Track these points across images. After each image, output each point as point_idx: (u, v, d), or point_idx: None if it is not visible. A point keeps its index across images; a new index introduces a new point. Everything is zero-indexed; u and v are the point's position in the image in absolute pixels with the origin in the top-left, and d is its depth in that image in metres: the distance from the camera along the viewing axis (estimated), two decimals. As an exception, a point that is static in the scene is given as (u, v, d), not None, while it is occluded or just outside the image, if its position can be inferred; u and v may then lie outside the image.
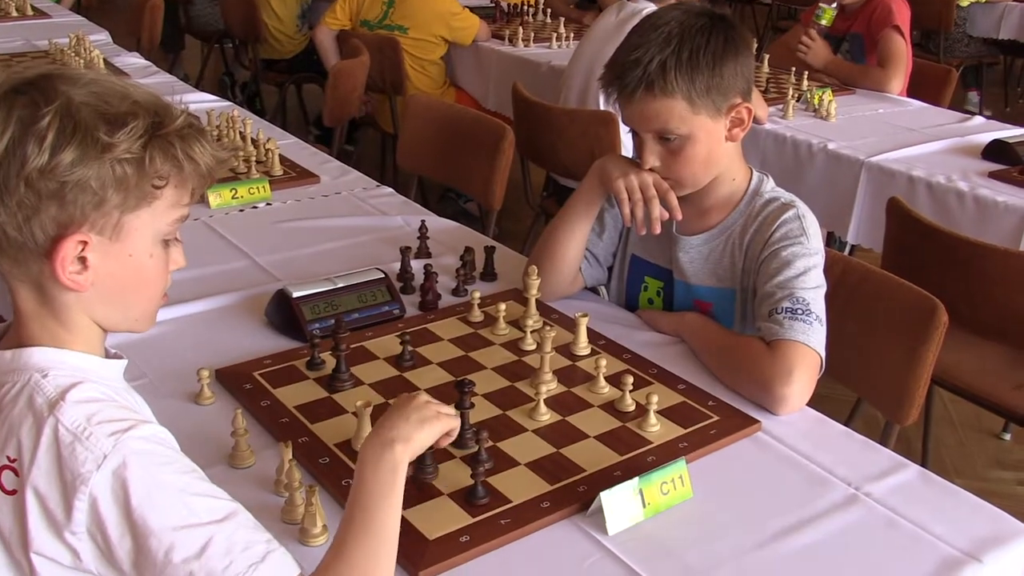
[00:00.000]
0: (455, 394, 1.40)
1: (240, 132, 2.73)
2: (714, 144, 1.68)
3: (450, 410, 1.25)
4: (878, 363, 1.84)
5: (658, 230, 1.71)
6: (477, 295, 1.81)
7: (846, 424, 2.12)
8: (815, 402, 1.56)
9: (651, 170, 1.70)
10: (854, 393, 2.01)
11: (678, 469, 1.33)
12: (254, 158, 2.57)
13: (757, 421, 1.49)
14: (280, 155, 2.64)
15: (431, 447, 1.27)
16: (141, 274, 1.08)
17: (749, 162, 1.80)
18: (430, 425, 1.19)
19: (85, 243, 1.03)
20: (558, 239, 1.83)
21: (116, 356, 1.16)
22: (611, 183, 1.73)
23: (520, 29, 4.53)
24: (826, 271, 1.76)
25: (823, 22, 3.76)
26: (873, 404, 1.93)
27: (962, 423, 3.23)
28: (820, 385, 1.67)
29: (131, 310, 1.12)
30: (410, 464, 1.17)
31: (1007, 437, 3.17)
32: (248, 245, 2.16)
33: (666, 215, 1.71)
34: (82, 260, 1.04)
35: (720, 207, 1.77)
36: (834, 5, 3.76)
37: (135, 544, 0.96)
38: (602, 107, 3.03)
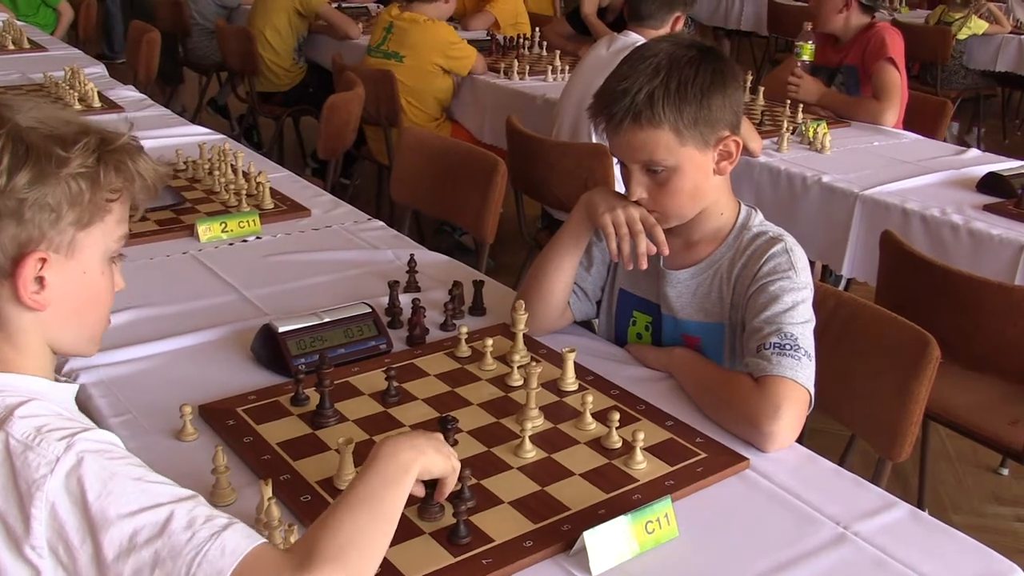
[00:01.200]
0: (439, 431, 1.39)
1: (232, 165, 2.73)
2: (701, 177, 1.68)
3: (458, 462, 1.26)
4: (870, 399, 1.83)
5: (644, 265, 1.70)
6: (464, 330, 1.80)
7: (841, 459, 2.14)
8: (810, 436, 1.55)
9: (638, 202, 1.70)
10: (847, 429, 1.99)
11: (664, 508, 1.32)
12: (245, 191, 2.57)
13: (745, 459, 1.48)
14: (271, 188, 2.64)
15: (433, 489, 1.28)
16: (94, 292, 1.13)
17: (743, 195, 1.81)
18: (443, 456, 1.21)
19: (44, 260, 1.08)
20: (546, 273, 1.83)
21: (67, 381, 1.18)
22: (597, 217, 1.73)
23: (516, 62, 4.55)
24: (818, 305, 1.76)
25: (805, 58, 3.78)
26: (865, 440, 1.91)
27: (959, 458, 3.21)
28: (816, 420, 1.66)
29: (85, 329, 1.16)
30: (423, 491, 1.22)
31: (1005, 472, 3.15)
32: (236, 279, 2.15)
33: (653, 250, 1.71)
34: (39, 280, 1.09)
35: (708, 241, 1.76)
36: (811, 41, 3.78)
37: (95, 543, 0.96)
38: (594, 139, 3.03)
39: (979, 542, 1.33)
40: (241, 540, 0.98)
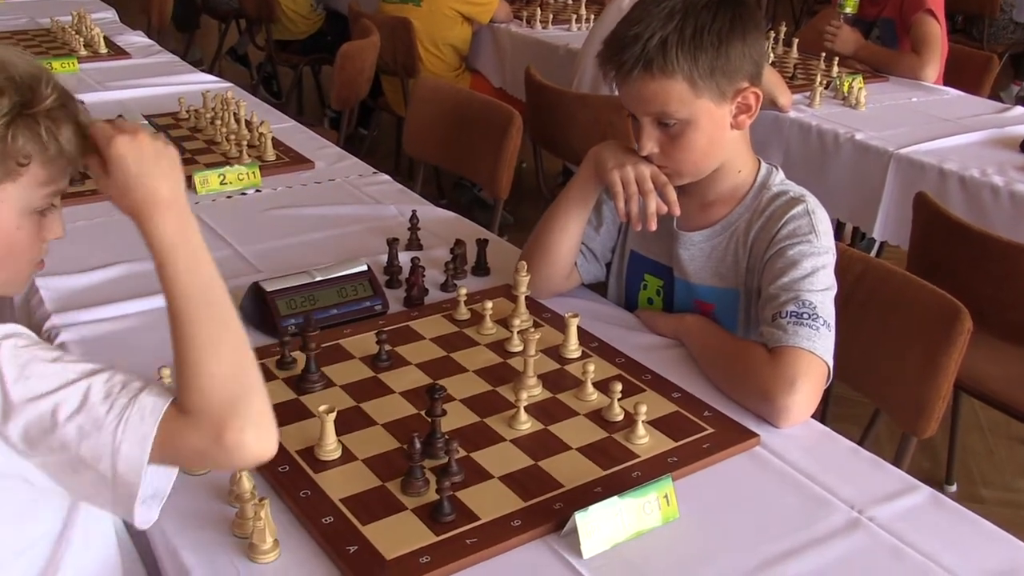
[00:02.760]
0: (427, 400, 1.34)
1: (235, 114, 2.66)
2: (717, 131, 1.59)
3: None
4: (896, 371, 1.75)
5: (654, 226, 1.63)
6: (464, 291, 1.73)
7: (864, 434, 2.06)
8: (836, 404, 1.46)
9: (648, 158, 1.62)
10: (871, 403, 1.91)
11: (664, 487, 1.25)
12: (247, 142, 2.51)
13: (755, 435, 1.41)
14: (275, 139, 2.58)
15: (420, 458, 1.24)
16: (7, 246, 1.10)
17: (770, 152, 1.72)
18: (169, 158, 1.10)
19: None
20: (550, 233, 1.76)
21: None
22: (605, 174, 1.65)
23: (539, 10, 4.44)
24: (843, 271, 1.69)
25: (847, 10, 3.65)
26: (889, 415, 1.83)
27: (992, 429, 3.12)
28: (841, 388, 1.57)
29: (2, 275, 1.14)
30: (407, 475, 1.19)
31: (1040, 446, 3.05)
32: (232, 234, 2.10)
33: (664, 209, 1.63)
34: None
35: (724, 201, 1.68)
36: None
37: (17, 422, 1.00)
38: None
39: (1009, 519, 1.25)
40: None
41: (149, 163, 1.06)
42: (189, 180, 2.29)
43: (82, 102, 1.16)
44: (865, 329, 1.77)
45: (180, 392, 1.02)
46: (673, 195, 1.63)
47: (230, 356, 1.03)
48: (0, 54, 1.07)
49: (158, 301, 1.72)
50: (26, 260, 1.15)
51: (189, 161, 2.47)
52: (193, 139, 2.64)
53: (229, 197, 2.30)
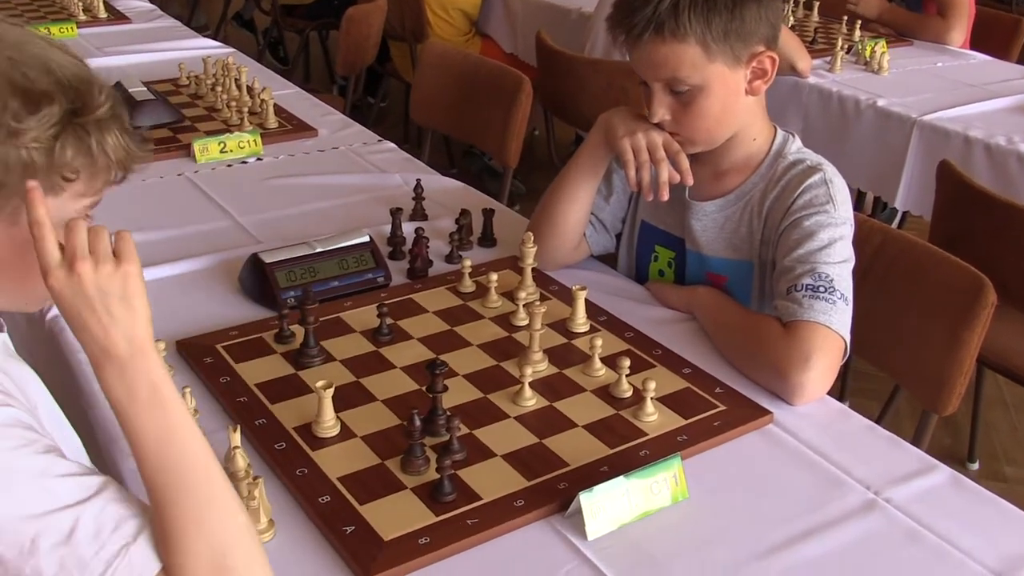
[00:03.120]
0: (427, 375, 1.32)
1: (236, 80, 2.63)
2: (731, 97, 1.56)
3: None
4: (916, 346, 1.73)
5: (665, 196, 1.60)
6: (468, 263, 1.72)
7: (884, 410, 2.03)
8: (856, 379, 1.44)
9: (660, 126, 1.60)
10: (890, 379, 1.88)
11: (672, 466, 1.23)
12: (248, 109, 2.48)
13: (768, 412, 1.40)
14: (277, 106, 2.56)
15: (420, 436, 1.21)
16: (33, 258, 0.97)
17: (789, 119, 1.69)
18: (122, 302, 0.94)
19: None
20: (558, 202, 1.73)
21: None
22: (615, 142, 1.62)
23: (551, -28, 4.36)
24: (862, 242, 1.67)
25: None
26: (909, 391, 1.81)
27: (1016, 405, 3.08)
28: (859, 363, 1.54)
29: (19, 295, 1.04)
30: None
31: (1066, 422, 3.02)
32: (232, 204, 2.08)
33: (676, 178, 1.60)
34: None
35: (738, 170, 1.65)
36: None
37: None
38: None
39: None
40: (148, 561, 0.91)
41: (86, 310, 0.91)
42: (188, 148, 2.28)
43: None
44: (885, 303, 1.74)
45: (165, 560, 0.92)
46: (685, 163, 1.60)
47: (216, 535, 0.92)
48: (45, 52, 0.97)
49: (156, 272, 1.75)
50: None
51: (188, 129, 2.44)
52: (193, 106, 2.62)
53: (229, 166, 2.28)
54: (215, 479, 0.95)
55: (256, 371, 1.47)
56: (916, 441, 1.63)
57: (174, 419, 0.94)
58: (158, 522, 0.93)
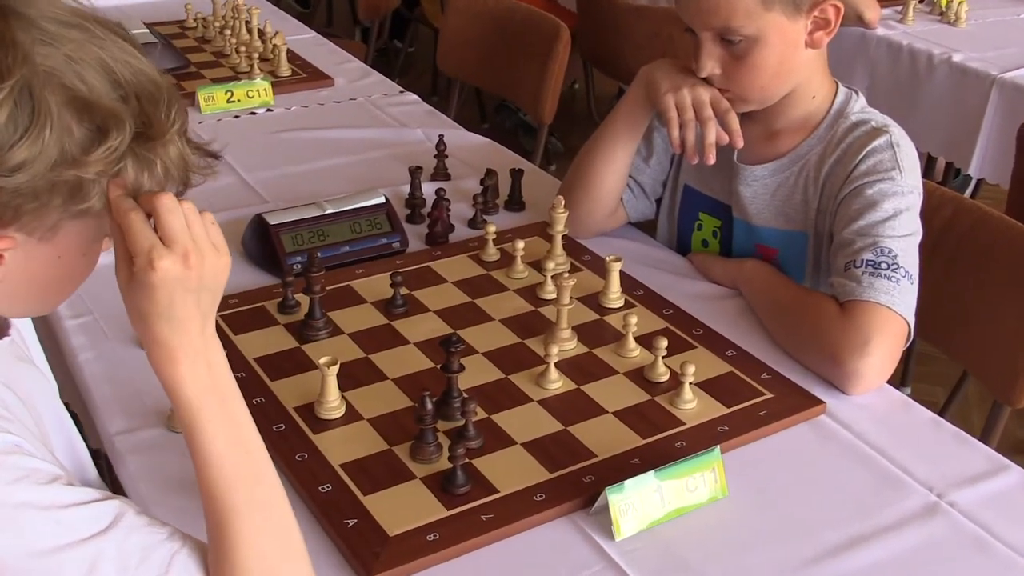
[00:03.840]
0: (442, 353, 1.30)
1: (247, 23, 2.60)
2: (789, 50, 1.52)
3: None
4: (989, 329, 1.69)
5: (712, 159, 1.57)
6: (493, 229, 1.69)
7: (949, 399, 1.99)
8: (921, 363, 1.41)
9: (708, 81, 1.56)
10: (958, 364, 1.84)
11: (711, 460, 1.21)
12: (259, 55, 2.46)
13: (820, 402, 1.37)
14: (291, 52, 2.54)
15: (431, 421, 1.20)
16: (67, 274, 0.95)
17: (854, 76, 1.66)
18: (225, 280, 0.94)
19: (9, 239, 0.88)
20: (593, 164, 1.70)
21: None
22: (658, 98, 1.59)
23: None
24: (931, 213, 1.64)
25: None
26: (979, 379, 1.77)
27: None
28: (924, 346, 1.50)
29: (39, 305, 1.01)
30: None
31: None
32: (238, 158, 2.07)
33: (724, 139, 1.56)
34: None
35: (793, 130, 1.62)
36: None
37: None
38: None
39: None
40: None
41: (183, 308, 0.89)
42: (192, 97, 2.26)
43: None
44: (954, 281, 1.71)
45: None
46: (735, 123, 1.56)
47: (275, 547, 0.93)
48: (101, 48, 0.87)
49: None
50: (78, 284, 0.99)
51: (194, 76, 2.43)
52: (200, 51, 2.60)
53: (236, 117, 2.26)
54: (273, 481, 0.94)
55: (256, 344, 1.46)
56: (985, 436, 1.59)
57: (240, 418, 0.93)
58: (214, 536, 0.91)
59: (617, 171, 1.70)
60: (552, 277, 1.58)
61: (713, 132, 1.56)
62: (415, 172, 1.85)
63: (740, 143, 1.57)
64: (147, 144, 0.88)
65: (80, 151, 0.84)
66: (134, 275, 0.87)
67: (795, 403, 1.36)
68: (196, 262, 0.88)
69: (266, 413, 1.31)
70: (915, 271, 1.45)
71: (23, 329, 1.12)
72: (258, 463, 0.94)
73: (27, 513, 0.85)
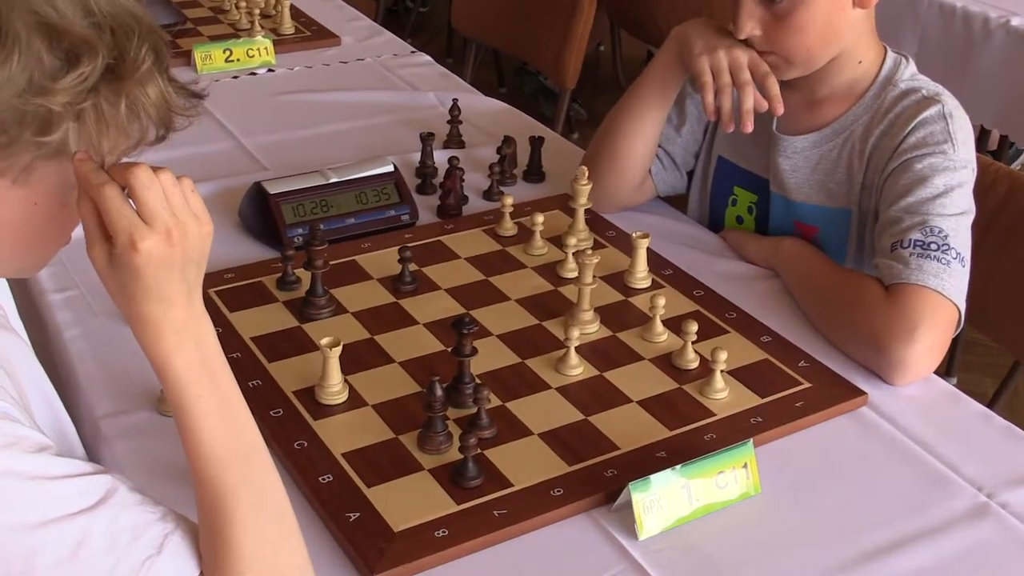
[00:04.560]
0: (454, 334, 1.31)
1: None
2: (835, 9, 1.51)
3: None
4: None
5: (750, 127, 1.56)
6: (510, 201, 1.69)
7: (999, 390, 1.98)
8: (967, 350, 1.40)
9: (747, 42, 1.55)
10: (1010, 354, 1.84)
11: (743, 455, 1.21)
12: (259, 11, 2.46)
13: (862, 393, 1.37)
14: (295, 8, 2.55)
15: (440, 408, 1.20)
16: (44, 224, 0.95)
17: (902, 40, 1.65)
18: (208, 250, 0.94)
19: None
20: (620, 132, 1.70)
21: None
22: (692, 60, 1.58)
23: None
24: (986, 190, 1.64)
25: None
26: (1034, 370, 1.76)
27: None
28: (973, 333, 1.50)
29: (19, 262, 1.01)
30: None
31: None
32: (236, 123, 2.08)
33: (763, 106, 1.55)
34: None
35: (838, 98, 1.61)
36: None
37: None
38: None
39: None
40: (181, 569, 0.89)
41: (169, 283, 0.89)
42: (188, 56, 2.26)
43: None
44: (1008, 264, 1.71)
45: (210, 568, 0.91)
46: (775, 88, 1.55)
47: (271, 529, 0.94)
48: None
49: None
50: (62, 239, 0.99)
51: (191, 33, 2.43)
52: (196, 5, 2.61)
53: (235, 77, 2.27)
54: (269, 467, 0.95)
55: (253, 322, 1.46)
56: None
57: (231, 394, 0.94)
58: (209, 524, 0.92)
59: (645, 140, 1.70)
60: (573, 254, 1.58)
61: (751, 98, 1.55)
62: (427, 139, 1.85)
63: (780, 110, 1.56)
64: (120, 81, 0.88)
65: (49, 79, 0.85)
66: (115, 256, 0.88)
67: (835, 394, 1.36)
68: (179, 238, 0.88)
69: (263, 397, 1.31)
70: (967, 252, 1.44)
71: (32, 376, 1.12)
72: (251, 442, 0.95)
73: (13, 483, 0.85)
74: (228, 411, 0.93)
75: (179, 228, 0.88)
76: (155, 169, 0.89)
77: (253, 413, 1.19)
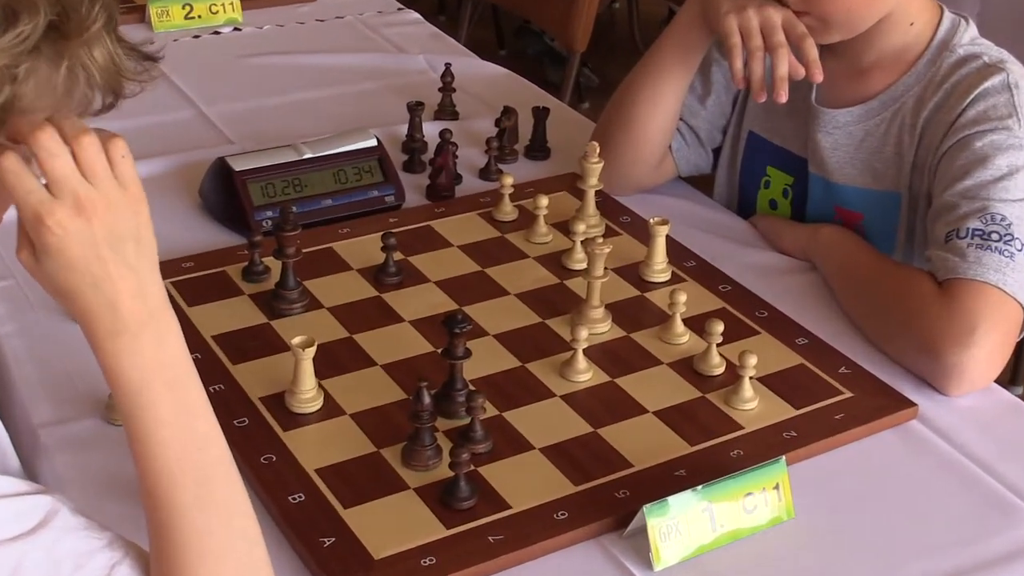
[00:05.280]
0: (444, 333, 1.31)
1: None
2: (883, -35, 1.53)
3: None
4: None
5: (784, 97, 1.56)
6: (510, 181, 1.70)
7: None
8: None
9: (781, 1, 1.55)
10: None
11: (775, 474, 1.21)
12: (224, -40, 2.45)
13: (912, 404, 1.38)
14: (263, -43, 2.54)
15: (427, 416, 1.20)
16: None
17: None
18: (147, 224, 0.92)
19: None
20: (637, 103, 1.71)
21: None
22: (718, 20, 1.58)
23: None
24: None
25: None
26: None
27: None
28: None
29: None
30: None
31: None
32: (197, 89, 2.10)
33: (800, 73, 1.55)
34: None
35: (886, 66, 1.61)
36: None
37: None
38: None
39: None
40: None
41: (97, 264, 0.87)
42: (143, 11, 2.26)
43: None
44: None
45: None
46: (814, 52, 1.55)
47: (235, 562, 0.93)
48: None
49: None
50: None
51: (146, -15, 2.42)
52: (153, -46, 2.59)
53: (196, 37, 2.28)
54: (236, 489, 0.94)
55: (215, 318, 1.47)
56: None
57: (194, 403, 0.93)
58: (159, 553, 0.91)
59: (665, 112, 1.71)
60: (582, 242, 1.58)
61: (786, 63, 1.55)
62: (415, 109, 1.86)
63: (819, 77, 1.56)
64: (65, 40, 0.87)
65: None
66: (35, 247, 0.87)
67: (880, 404, 1.36)
68: (97, 209, 0.86)
69: (226, 404, 1.31)
70: (1034, 243, 1.45)
71: None
72: (214, 459, 0.94)
73: None
74: (187, 422, 0.92)
75: (95, 198, 0.86)
76: (78, 132, 0.88)
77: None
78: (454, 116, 1.98)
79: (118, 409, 0.92)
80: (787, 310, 1.52)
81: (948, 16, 1.61)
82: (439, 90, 1.99)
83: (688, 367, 1.41)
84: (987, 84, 1.52)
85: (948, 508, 1.25)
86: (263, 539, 0.96)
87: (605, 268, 1.46)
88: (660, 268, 1.58)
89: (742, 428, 1.32)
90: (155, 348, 0.90)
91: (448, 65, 2.01)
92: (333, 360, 1.38)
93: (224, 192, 1.67)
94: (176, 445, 0.91)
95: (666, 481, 1.23)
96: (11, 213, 0.96)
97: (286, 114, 2.01)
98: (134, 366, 0.89)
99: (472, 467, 1.21)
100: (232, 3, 2.31)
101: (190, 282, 1.53)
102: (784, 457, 1.22)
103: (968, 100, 1.52)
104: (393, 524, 1.17)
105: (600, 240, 1.48)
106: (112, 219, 0.87)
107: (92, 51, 0.89)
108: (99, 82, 0.91)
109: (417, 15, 2.43)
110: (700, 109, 1.76)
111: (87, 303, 0.88)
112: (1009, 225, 1.42)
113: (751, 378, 1.34)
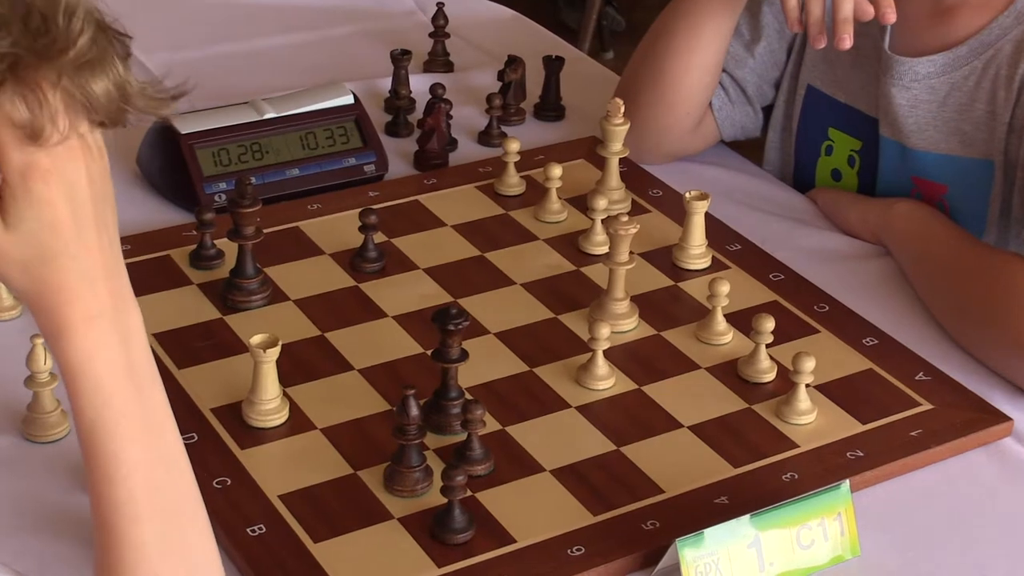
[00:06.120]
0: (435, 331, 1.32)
1: None
2: None
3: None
4: None
5: (849, 42, 1.55)
6: (515, 146, 1.70)
7: None
8: None
9: None
10: None
11: (837, 502, 1.22)
12: None
13: (1007, 418, 1.39)
14: None
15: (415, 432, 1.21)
16: None
17: None
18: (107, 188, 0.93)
19: None
20: (671, 50, 1.72)
21: None
22: None
23: None
24: None
25: None
26: None
27: None
28: None
29: None
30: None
31: None
32: (135, 32, 2.05)
33: (868, 13, 1.55)
34: None
35: (975, 6, 1.63)
36: None
37: None
38: None
39: None
40: None
41: (55, 239, 0.86)
42: (69, -61, 2.27)
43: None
44: None
45: None
46: (885, -11, 1.57)
47: (191, 568, 0.94)
48: None
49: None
50: None
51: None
52: None
53: (136, -30, 2.27)
54: (202, 524, 0.95)
55: (158, 312, 1.47)
56: None
57: (159, 405, 0.93)
58: (104, 559, 0.91)
59: (705, 62, 1.72)
60: (603, 221, 1.59)
61: (851, 2, 1.54)
62: (400, 59, 1.86)
63: (892, 17, 1.56)
64: (32, 66, 0.84)
65: None
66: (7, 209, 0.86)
67: (966, 418, 1.37)
68: (88, 152, 0.90)
69: (175, 415, 1.32)
70: None
71: None
72: (183, 488, 0.94)
73: None
74: (158, 441, 0.92)
75: (49, 154, 0.85)
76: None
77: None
78: (448, 68, 1.99)
79: (77, 420, 0.91)
80: (852, 304, 1.53)
81: (1048, -55, 1.62)
82: (430, 35, 2.00)
83: (732, 372, 1.42)
84: (1097, 29, 1.53)
85: (1045, 543, 1.26)
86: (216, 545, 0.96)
87: (631, 252, 1.47)
88: (698, 252, 1.58)
89: (797, 446, 1.33)
90: (122, 344, 0.90)
91: (441, 5, 2.01)
92: (301, 363, 1.39)
93: (167, 160, 1.68)
94: (144, 468, 0.91)
95: (704, 510, 1.23)
96: None
97: (243, 64, 2.02)
98: (104, 366, 0.89)
99: (469, 492, 1.21)
100: (177, -71, 2.32)
101: (127, 268, 1.54)
102: (848, 482, 1.23)
103: (1074, 49, 1.53)
104: (373, 561, 1.18)
105: (625, 218, 1.48)
106: (99, 169, 0.91)
107: (92, 83, 0.88)
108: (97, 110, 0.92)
109: (402, -53, 2.44)
110: (747, 58, 1.77)
111: (65, 277, 0.87)
112: (1124, 199, 1.44)
113: (808, 386, 1.35)
